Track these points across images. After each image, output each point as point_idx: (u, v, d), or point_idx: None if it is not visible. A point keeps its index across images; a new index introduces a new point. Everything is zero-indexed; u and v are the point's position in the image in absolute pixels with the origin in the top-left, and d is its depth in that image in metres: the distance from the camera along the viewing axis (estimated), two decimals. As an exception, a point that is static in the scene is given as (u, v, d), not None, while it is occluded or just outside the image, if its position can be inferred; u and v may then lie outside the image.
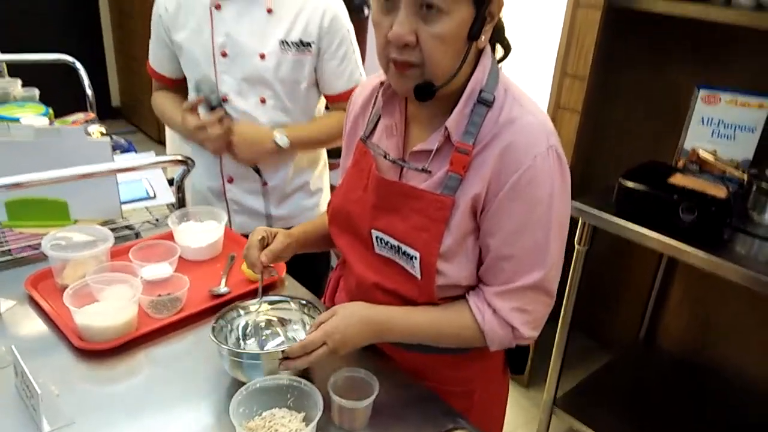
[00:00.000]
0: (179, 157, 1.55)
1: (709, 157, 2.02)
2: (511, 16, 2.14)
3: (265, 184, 1.68)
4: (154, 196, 1.76)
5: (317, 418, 0.92)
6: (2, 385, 1.07)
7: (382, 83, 1.07)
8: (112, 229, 1.45)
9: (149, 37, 1.70)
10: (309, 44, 1.57)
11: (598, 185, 2.10)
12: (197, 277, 1.36)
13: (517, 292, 1.00)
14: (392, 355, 1.18)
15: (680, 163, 2.07)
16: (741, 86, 1.96)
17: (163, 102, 1.74)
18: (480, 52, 1.00)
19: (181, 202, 1.64)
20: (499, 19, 0.99)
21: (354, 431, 1.01)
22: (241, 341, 1.15)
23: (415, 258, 1.02)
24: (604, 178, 2.09)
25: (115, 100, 5.49)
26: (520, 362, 1.22)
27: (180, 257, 1.41)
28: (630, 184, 1.83)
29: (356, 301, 1.07)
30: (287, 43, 1.56)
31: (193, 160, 1.58)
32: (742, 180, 1.92)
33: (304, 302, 1.19)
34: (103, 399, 1.07)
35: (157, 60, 1.72)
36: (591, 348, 2.71)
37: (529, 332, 1.04)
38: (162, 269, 1.34)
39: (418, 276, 1.03)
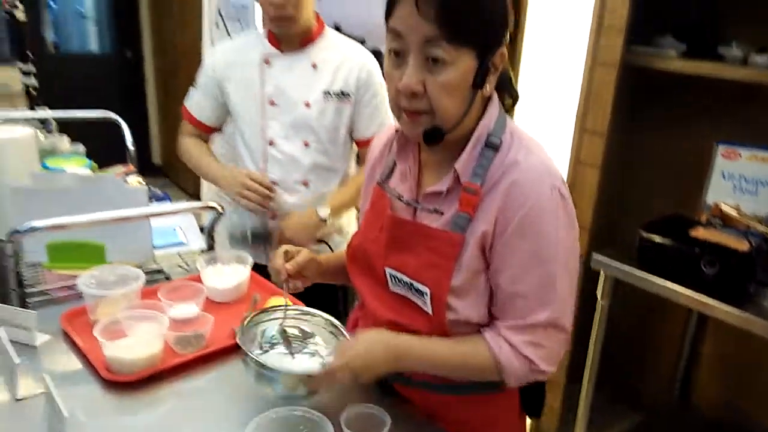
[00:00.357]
0: (211, 204, 1.63)
1: (732, 212, 2.03)
2: (532, 72, 2.22)
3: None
4: (186, 243, 1.84)
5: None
6: (34, 412, 1.12)
7: (397, 131, 1.14)
8: (145, 272, 1.52)
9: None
10: (348, 94, 1.79)
11: (621, 239, 2.12)
12: (222, 316, 1.41)
13: (528, 328, 1.03)
14: (408, 396, 1.20)
15: (703, 218, 2.07)
16: (761, 142, 1.98)
17: (199, 153, 1.92)
18: (488, 100, 1.06)
19: (210, 248, 1.71)
20: (506, 70, 1.06)
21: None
22: (266, 346, 1.19)
23: (426, 294, 1.06)
24: (627, 232, 2.10)
25: (156, 157, 5.72)
26: (535, 404, 1.22)
27: (207, 298, 1.47)
28: (651, 236, 1.85)
29: (377, 329, 1.10)
30: (330, 93, 1.78)
31: (223, 207, 1.66)
32: (766, 235, 1.91)
33: (326, 317, 1.23)
34: (126, 428, 1.11)
35: (199, 108, 1.90)
36: (622, 408, 2.64)
37: (546, 366, 1.05)
38: (189, 309, 1.40)
39: (430, 311, 1.07)
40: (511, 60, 2.28)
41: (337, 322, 1.25)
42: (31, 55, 2.88)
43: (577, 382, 2.22)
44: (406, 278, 1.09)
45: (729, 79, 1.86)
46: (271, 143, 1.80)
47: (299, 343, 1.23)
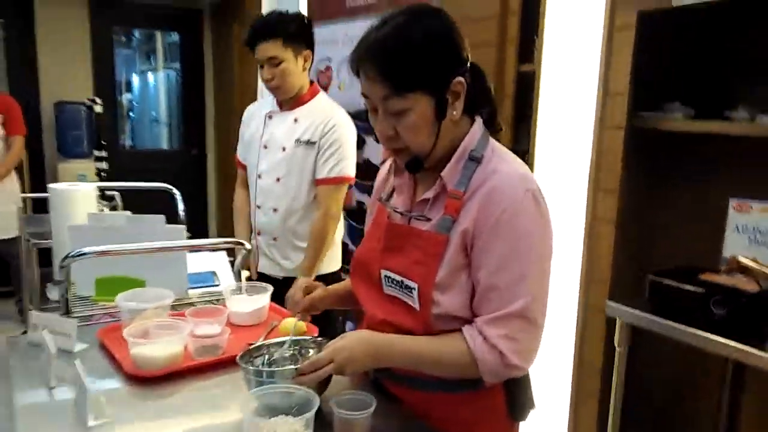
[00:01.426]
0: (240, 240, 1.81)
1: (750, 263, 2.04)
2: (547, 134, 2.37)
3: None
4: (219, 284, 2.00)
5: (313, 411, 1.04)
6: (65, 397, 1.26)
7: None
8: (178, 304, 1.69)
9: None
10: (313, 142, 2.22)
11: (639, 291, 2.15)
12: (240, 336, 1.55)
13: (503, 319, 1.12)
14: (397, 394, 1.28)
15: (722, 271, 2.09)
16: (772, 196, 2.03)
17: (242, 205, 2.48)
18: (472, 120, 1.23)
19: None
20: (483, 89, 1.23)
21: (353, 445, 1.11)
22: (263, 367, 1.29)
23: (414, 289, 1.17)
24: (645, 285, 2.14)
25: (212, 233, 6.01)
26: (520, 407, 1.27)
27: (230, 322, 1.61)
28: (661, 279, 1.89)
29: (363, 330, 1.22)
30: (300, 140, 2.24)
31: (249, 246, 1.83)
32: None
33: (320, 339, 1.34)
34: (143, 413, 1.23)
35: (239, 151, 2.49)
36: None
37: (518, 360, 1.12)
38: (211, 327, 1.54)
39: (417, 306, 1.18)
40: (526, 121, 2.47)
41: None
42: (104, 143, 3.23)
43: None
44: (397, 277, 1.21)
45: (735, 135, 1.95)
46: (259, 177, 2.31)
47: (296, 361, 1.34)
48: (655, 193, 2.38)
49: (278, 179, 2.27)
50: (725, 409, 2.25)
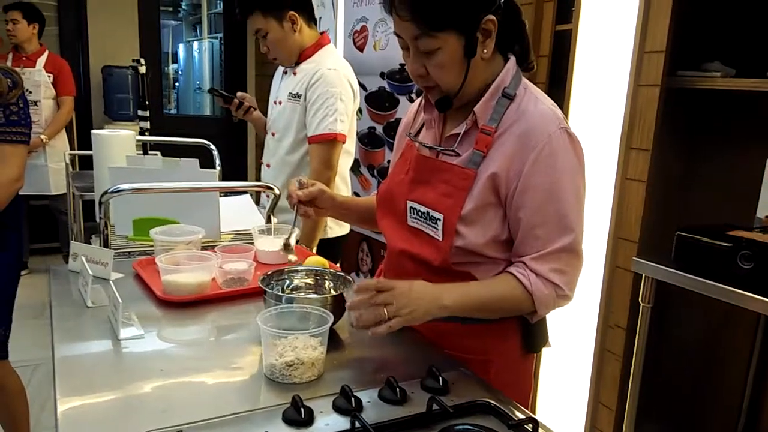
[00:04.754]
0: (269, 184, 1.86)
1: (784, 224, 2.01)
2: (580, 93, 2.35)
3: None
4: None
5: (327, 327, 1.09)
6: (100, 318, 1.34)
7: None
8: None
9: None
10: (300, 96, 2.20)
11: (666, 251, 2.13)
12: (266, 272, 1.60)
13: (552, 255, 1.15)
14: (414, 326, 1.31)
15: (755, 230, 2.06)
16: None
17: None
18: (505, 58, 1.24)
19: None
20: (516, 28, 1.23)
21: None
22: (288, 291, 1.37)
23: (439, 220, 1.21)
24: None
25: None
26: (534, 339, 1.30)
27: (257, 261, 1.68)
28: (688, 234, 1.88)
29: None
30: (291, 94, 2.23)
31: (279, 189, 1.88)
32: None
33: (339, 273, 1.39)
34: (171, 331, 1.31)
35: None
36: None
37: (569, 290, 1.17)
38: (239, 264, 1.60)
39: (440, 237, 1.21)
40: (561, 82, 2.45)
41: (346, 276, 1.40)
42: (147, 103, 3.34)
43: (643, 418, 2.19)
44: (423, 208, 1.25)
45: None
46: (266, 133, 2.40)
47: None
48: (689, 153, 2.34)
49: (273, 134, 2.32)
50: (753, 369, 2.23)
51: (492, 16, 1.15)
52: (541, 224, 1.15)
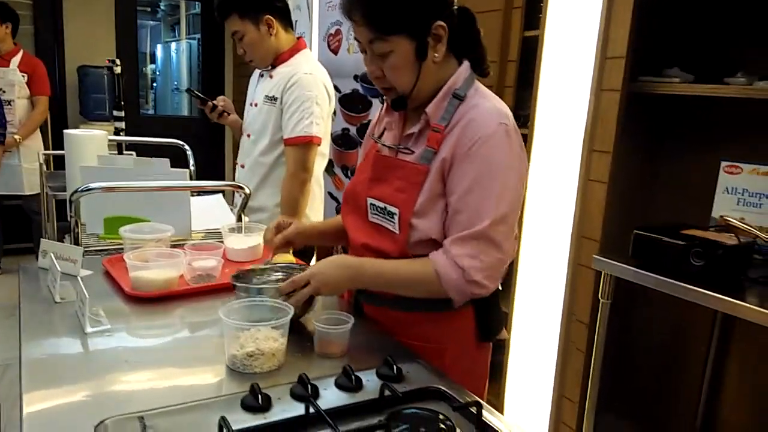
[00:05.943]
0: (240, 184, 1.90)
1: (737, 223, 2.09)
2: (545, 97, 2.41)
3: None
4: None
5: (287, 318, 1.13)
6: (68, 310, 1.37)
7: None
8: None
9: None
10: (275, 99, 2.23)
11: (626, 250, 2.21)
12: (235, 271, 1.64)
13: (467, 239, 1.20)
14: (374, 316, 1.37)
15: (710, 229, 2.14)
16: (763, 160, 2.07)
17: None
18: (459, 63, 1.31)
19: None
20: (470, 36, 1.30)
21: (331, 356, 1.19)
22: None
23: (395, 214, 1.27)
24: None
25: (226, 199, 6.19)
26: (488, 328, 1.36)
27: (226, 259, 1.71)
28: (644, 233, 1.95)
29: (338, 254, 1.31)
30: (267, 96, 2.27)
31: (249, 189, 1.92)
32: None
33: (307, 267, 1.43)
34: (138, 325, 1.34)
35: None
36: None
37: (480, 277, 1.20)
38: (208, 261, 1.64)
39: (397, 231, 1.27)
40: (528, 86, 2.52)
41: None
42: (122, 103, 3.36)
43: (604, 410, 2.25)
44: (381, 204, 1.31)
45: (730, 97, 1.98)
46: (242, 134, 2.43)
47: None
48: (648, 155, 2.42)
49: (249, 135, 2.36)
50: (711, 364, 2.31)
51: (442, 22, 1.22)
52: (463, 210, 1.21)
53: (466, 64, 1.31)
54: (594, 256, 2.11)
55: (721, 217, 2.14)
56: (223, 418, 0.87)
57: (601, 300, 2.07)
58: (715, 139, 2.27)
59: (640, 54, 2.22)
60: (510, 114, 1.26)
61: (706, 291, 1.74)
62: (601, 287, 2.07)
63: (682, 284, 1.79)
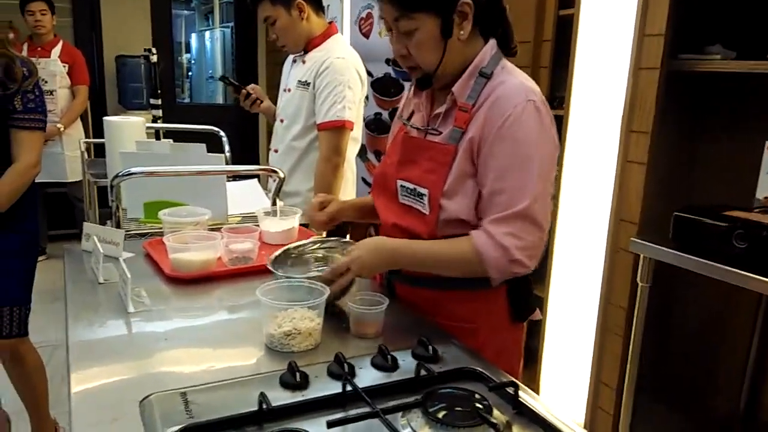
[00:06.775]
0: (275, 168, 1.92)
1: (782, 205, 2.03)
2: (581, 77, 2.37)
3: None
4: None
5: (323, 299, 1.15)
6: (112, 294, 1.41)
7: None
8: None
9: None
10: (308, 84, 2.24)
11: (666, 233, 2.16)
12: (270, 253, 1.65)
13: (508, 219, 1.19)
14: (407, 297, 1.38)
15: (754, 211, 2.08)
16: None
17: None
18: (486, 41, 1.29)
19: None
20: (497, 13, 1.28)
21: (366, 337, 1.20)
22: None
23: (425, 195, 1.27)
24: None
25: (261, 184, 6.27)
26: (521, 308, 1.35)
27: (262, 242, 1.73)
28: (685, 215, 1.91)
29: (375, 237, 1.32)
30: (300, 82, 2.28)
31: (283, 172, 1.94)
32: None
33: (345, 240, 1.45)
34: (178, 306, 1.37)
35: None
36: (683, 427, 2.55)
37: (522, 255, 1.19)
38: (244, 244, 1.66)
39: (427, 211, 1.27)
40: (564, 66, 2.47)
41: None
42: (159, 91, 3.41)
43: (642, 396, 2.22)
44: (411, 185, 1.31)
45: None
46: (282, 121, 2.40)
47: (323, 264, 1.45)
48: (688, 135, 2.36)
49: (282, 120, 2.37)
50: (755, 349, 2.26)
51: (468, 0, 1.20)
52: (500, 190, 1.20)
53: (492, 42, 1.30)
54: (631, 239, 2.07)
55: (765, 198, 2.08)
56: (262, 394, 0.88)
57: (640, 284, 2.04)
58: (759, 117, 2.19)
59: (679, 31, 2.16)
60: (537, 89, 1.25)
61: (749, 274, 1.70)
62: (639, 271, 2.03)
63: (724, 267, 1.75)
